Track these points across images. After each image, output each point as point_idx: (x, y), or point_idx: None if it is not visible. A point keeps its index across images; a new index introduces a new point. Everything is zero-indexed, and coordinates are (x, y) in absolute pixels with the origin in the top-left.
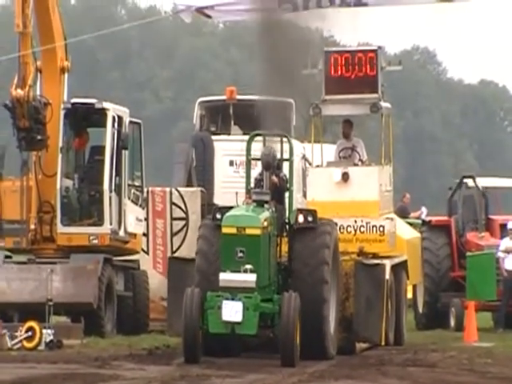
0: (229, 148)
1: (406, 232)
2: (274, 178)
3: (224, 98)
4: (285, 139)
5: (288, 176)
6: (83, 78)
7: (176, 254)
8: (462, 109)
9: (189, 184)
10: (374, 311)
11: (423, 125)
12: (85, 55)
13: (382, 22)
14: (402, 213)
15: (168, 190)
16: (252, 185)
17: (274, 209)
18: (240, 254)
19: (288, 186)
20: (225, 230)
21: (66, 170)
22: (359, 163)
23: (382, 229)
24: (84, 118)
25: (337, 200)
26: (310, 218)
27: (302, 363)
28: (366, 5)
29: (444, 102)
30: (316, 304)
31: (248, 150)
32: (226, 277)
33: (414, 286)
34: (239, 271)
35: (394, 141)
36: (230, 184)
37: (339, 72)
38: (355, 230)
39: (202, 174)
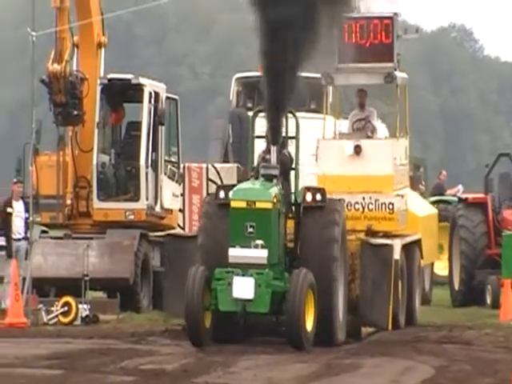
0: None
1: (422, 209)
2: None
3: (260, 74)
4: (290, 115)
5: (294, 153)
6: (120, 53)
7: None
8: (499, 86)
9: (225, 160)
10: (380, 294)
11: (460, 102)
12: (122, 30)
13: None
14: (439, 190)
15: (204, 166)
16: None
17: (281, 186)
18: (250, 230)
19: (294, 163)
20: (234, 205)
21: (102, 145)
22: (372, 135)
23: (391, 206)
24: (121, 94)
25: (349, 174)
26: (318, 197)
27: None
28: None
29: (481, 79)
30: (325, 283)
31: (252, 126)
32: (235, 253)
33: (451, 263)
34: (249, 247)
35: (431, 117)
36: None
37: (353, 39)
38: (363, 208)
39: (238, 150)
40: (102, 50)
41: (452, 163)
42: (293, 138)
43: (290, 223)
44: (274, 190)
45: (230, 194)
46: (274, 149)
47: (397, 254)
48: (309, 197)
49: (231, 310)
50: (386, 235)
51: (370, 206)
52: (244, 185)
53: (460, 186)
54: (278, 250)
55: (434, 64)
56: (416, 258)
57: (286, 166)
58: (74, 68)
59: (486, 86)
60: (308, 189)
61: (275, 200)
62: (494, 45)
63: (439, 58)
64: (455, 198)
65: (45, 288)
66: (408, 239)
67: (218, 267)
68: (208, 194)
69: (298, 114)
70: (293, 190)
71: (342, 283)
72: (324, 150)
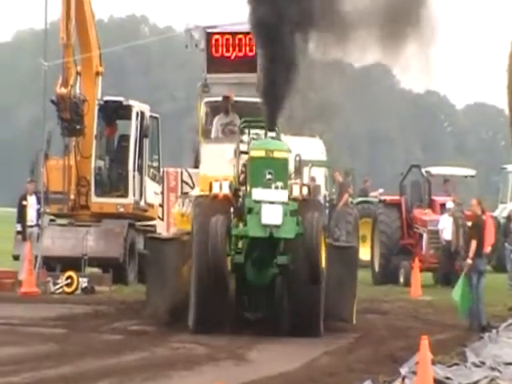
0: None
1: None
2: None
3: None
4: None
5: None
6: (113, 80)
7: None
8: (414, 112)
9: (195, 166)
10: (346, 291)
11: (381, 126)
12: (115, 63)
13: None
14: (364, 193)
15: (179, 170)
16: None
17: None
18: (268, 176)
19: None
20: (253, 154)
21: (99, 152)
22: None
23: None
24: (114, 112)
25: (230, 175)
26: (304, 191)
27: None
28: None
29: (399, 107)
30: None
31: (239, 134)
32: (259, 193)
33: (372, 250)
34: (270, 188)
35: (359, 140)
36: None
37: (220, 52)
38: None
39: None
40: (100, 77)
41: (374, 172)
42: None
43: None
44: (287, 144)
45: (251, 145)
46: (270, 134)
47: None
48: (296, 191)
49: (260, 235)
50: None
51: None
52: (261, 140)
53: (380, 190)
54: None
55: (357, 97)
56: None
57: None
58: (77, 91)
59: (402, 113)
60: (296, 184)
61: (289, 151)
62: (406, 79)
63: (365, 91)
64: (376, 199)
65: (52, 264)
66: None
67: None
68: (182, 193)
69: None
70: None
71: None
72: (206, 153)
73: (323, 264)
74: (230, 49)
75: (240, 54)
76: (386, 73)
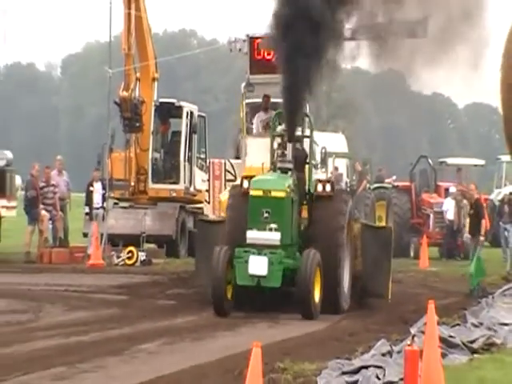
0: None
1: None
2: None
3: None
4: (306, 118)
5: (308, 150)
6: (167, 85)
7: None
8: (422, 112)
9: (237, 157)
10: (381, 269)
11: (395, 121)
12: (168, 70)
13: None
14: (379, 179)
15: (223, 161)
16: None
17: (295, 177)
18: (266, 215)
19: (308, 159)
20: (253, 193)
21: (155, 146)
22: None
23: None
24: (167, 112)
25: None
26: (328, 188)
27: (261, 326)
28: None
29: (408, 107)
30: (333, 264)
31: (273, 126)
32: (252, 235)
33: None
34: (265, 230)
35: (375, 135)
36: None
37: (262, 55)
38: None
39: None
40: (155, 82)
41: (388, 162)
42: (307, 136)
43: (306, 210)
44: (288, 181)
45: (251, 183)
46: (289, 145)
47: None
48: (320, 187)
49: (247, 284)
50: None
51: None
52: (262, 176)
53: (393, 177)
54: (290, 233)
55: (376, 97)
56: None
57: (301, 160)
58: (137, 94)
59: (412, 111)
60: (319, 180)
61: (288, 189)
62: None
63: (380, 93)
64: (390, 185)
65: (115, 241)
66: None
67: (239, 246)
68: (227, 181)
69: None
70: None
71: (347, 263)
72: (251, 146)
73: (317, 299)
74: (271, 52)
75: None
76: (399, 78)
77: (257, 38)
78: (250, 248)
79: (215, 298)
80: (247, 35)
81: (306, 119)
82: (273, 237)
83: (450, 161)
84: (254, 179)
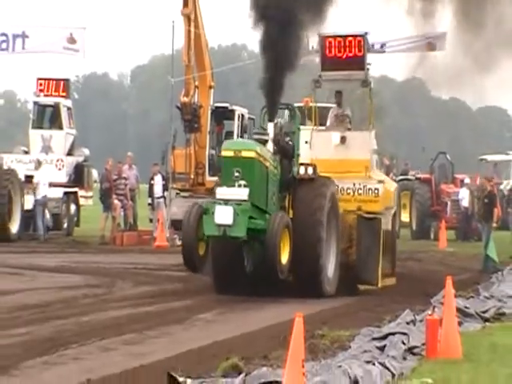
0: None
1: (390, 184)
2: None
3: (302, 104)
4: (293, 111)
5: (295, 142)
6: (221, 92)
7: None
8: (441, 114)
9: None
10: (372, 258)
11: (415, 122)
12: (223, 79)
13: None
14: (404, 172)
15: None
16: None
17: (276, 158)
18: (236, 174)
19: (294, 150)
20: (224, 154)
21: (211, 144)
22: (350, 127)
23: (376, 191)
24: (222, 115)
25: (335, 158)
26: (310, 171)
27: (300, 300)
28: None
29: (429, 109)
30: (313, 241)
31: (262, 120)
32: (222, 191)
33: (410, 214)
34: (234, 186)
35: (401, 133)
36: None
37: (333, 53)
38: (354, 192)
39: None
40: (212, 90)
41: (412, 157)
42: (293, 132)
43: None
44: (261, 147)
45: (222, 145)
46: (270, 124)
47: (386, 225)
48: (302, 170)
49: (214, 234)
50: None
51: (360, 191)
52: (235, 140)
53: (416, 170)
54: (263, 198)
55: (402, 101)
56: (395, 222)
57: (289, 151)
58: (196, 100)
59: (432, 113)
60: (302, 164)
61: (260, 152)
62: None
63: (406, 98)
64: (413, 177)
65: (177, 225)
66: (392, 211)
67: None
68: None
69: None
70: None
71: (332, 245)
72: (316, 139)
73: (284, 261)
74: (342, 50)
75: (350, 54)
76: (422, 84)
77: (328, 36)
78: (218, 201)
79: (185, 253)
80: (319, 34)
81: (292, 112)
82: (241, 192)
83: (489, 158)
84: (226, 142)
